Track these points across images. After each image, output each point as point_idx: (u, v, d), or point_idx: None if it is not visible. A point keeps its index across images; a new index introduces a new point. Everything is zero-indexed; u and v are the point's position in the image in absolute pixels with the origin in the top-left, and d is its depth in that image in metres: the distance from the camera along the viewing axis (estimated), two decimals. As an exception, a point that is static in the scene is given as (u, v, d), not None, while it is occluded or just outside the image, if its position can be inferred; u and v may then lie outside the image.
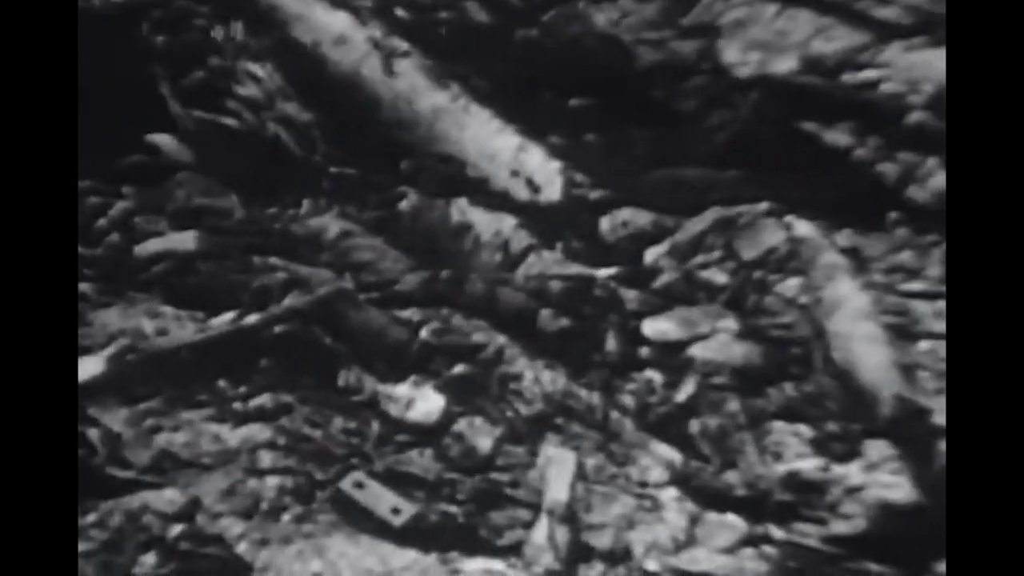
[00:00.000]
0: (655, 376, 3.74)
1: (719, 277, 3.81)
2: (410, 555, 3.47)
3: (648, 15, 4.13)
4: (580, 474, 3.61)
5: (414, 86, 4.08)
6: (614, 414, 3.70)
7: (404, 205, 4.04)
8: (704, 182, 3.86)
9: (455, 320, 3.84)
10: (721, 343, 3.71)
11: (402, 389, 3.74)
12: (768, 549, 3.43)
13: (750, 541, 3.45)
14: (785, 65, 3.89)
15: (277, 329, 3.65)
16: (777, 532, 3.44)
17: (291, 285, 3.80)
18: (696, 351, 3.71)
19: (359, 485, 3.42)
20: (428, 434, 3.66)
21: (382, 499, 3.41)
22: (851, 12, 3.97)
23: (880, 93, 3.83)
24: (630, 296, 3.84)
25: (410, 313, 3.83)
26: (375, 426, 3.63)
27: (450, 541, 3.47)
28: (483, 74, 4.12)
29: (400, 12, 4.36)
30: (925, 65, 3.79)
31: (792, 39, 3.95)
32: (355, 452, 3.53)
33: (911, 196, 3.77)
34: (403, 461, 3.63)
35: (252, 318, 3.66)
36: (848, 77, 3.86)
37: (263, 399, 3.54)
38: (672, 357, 3.73)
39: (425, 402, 3.72)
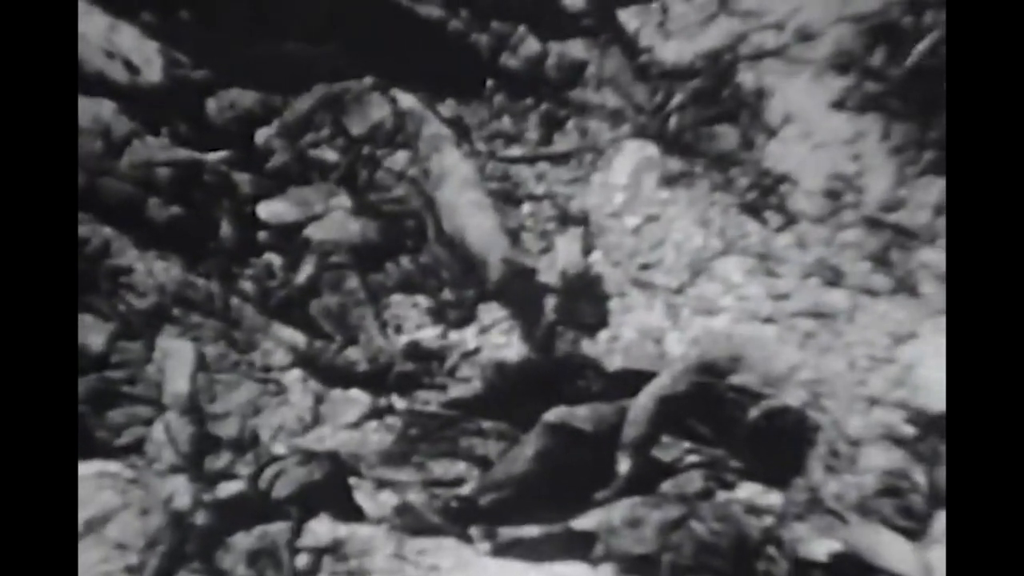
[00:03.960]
0: (274, 259, 3.70)
1: (330, 155, 3.78)
2: (17, 466, 3.32)
3: None
4: (201, 364, 3.54)
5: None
6: (234, 301, 3.64)
7: (-13, 94, 3.72)
8: (305, 58, 3.78)
9: (55, 215, 3.62)
10: (337, 221, 3.70)
11: (0, 293, 3.54)
12: (391, 420, 3.52)
13: (374, 414, 3.53)
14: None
15: None
16: (400, 402, 3.53)
17: None
18: (313, 231, 3.69)
19: (-46, 399, 3.20)
20: (33, 338, 3.52)
21: (-17, 411, 3.20)
22: None
23: (465, -36, 3.88)
24: (243, 179, 3.75)
25: (3, 210, 3.58)
26: (-29, 334, 3.39)
27: (63, 447, 3.35)
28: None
29: None
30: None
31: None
32: (-52, 364, 3.30)
33: (505, 63, 3.86)
34: (6, 369, 3.48)
35: None
36: (434, -52, 3.88)
37: None
38: (289, 239, 3.70)
39: (27, 305, 3.54)
